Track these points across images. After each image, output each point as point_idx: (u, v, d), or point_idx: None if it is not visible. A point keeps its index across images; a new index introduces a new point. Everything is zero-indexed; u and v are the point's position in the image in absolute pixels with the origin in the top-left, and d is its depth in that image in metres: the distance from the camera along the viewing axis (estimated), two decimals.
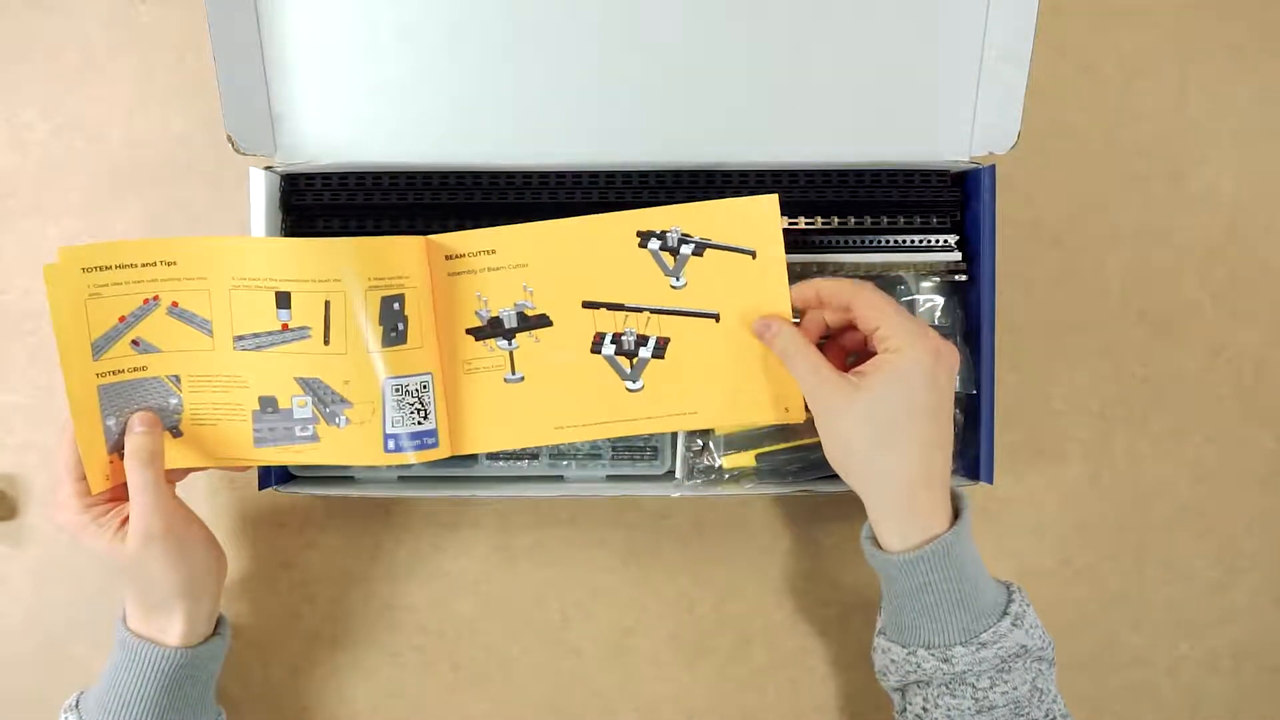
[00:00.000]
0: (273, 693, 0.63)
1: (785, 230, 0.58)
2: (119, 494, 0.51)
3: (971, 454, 0.58)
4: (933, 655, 0.48)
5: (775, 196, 0.53)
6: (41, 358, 0.64)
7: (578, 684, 0.64)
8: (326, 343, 0.52)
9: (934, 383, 0.47)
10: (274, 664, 0.63)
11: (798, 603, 0.65)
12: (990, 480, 0.57)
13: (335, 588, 0.64)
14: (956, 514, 0.49)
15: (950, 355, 0.48)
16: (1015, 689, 0.48)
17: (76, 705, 0.52)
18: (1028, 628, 0.49)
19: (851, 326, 0.52)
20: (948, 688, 0.49)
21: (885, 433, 0.48)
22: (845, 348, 0.54)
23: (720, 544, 0.64)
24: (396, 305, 0.52)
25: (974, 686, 0.48)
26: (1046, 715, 0.49)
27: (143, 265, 0.51)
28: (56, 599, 0.63)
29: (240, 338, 0.52)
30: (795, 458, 0.58)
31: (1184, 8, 0.67)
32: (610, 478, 0.59)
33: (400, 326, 0.52)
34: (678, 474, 0.58)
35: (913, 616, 0.49)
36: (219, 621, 0.55)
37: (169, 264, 0.51)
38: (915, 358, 0.47)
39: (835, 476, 0.57)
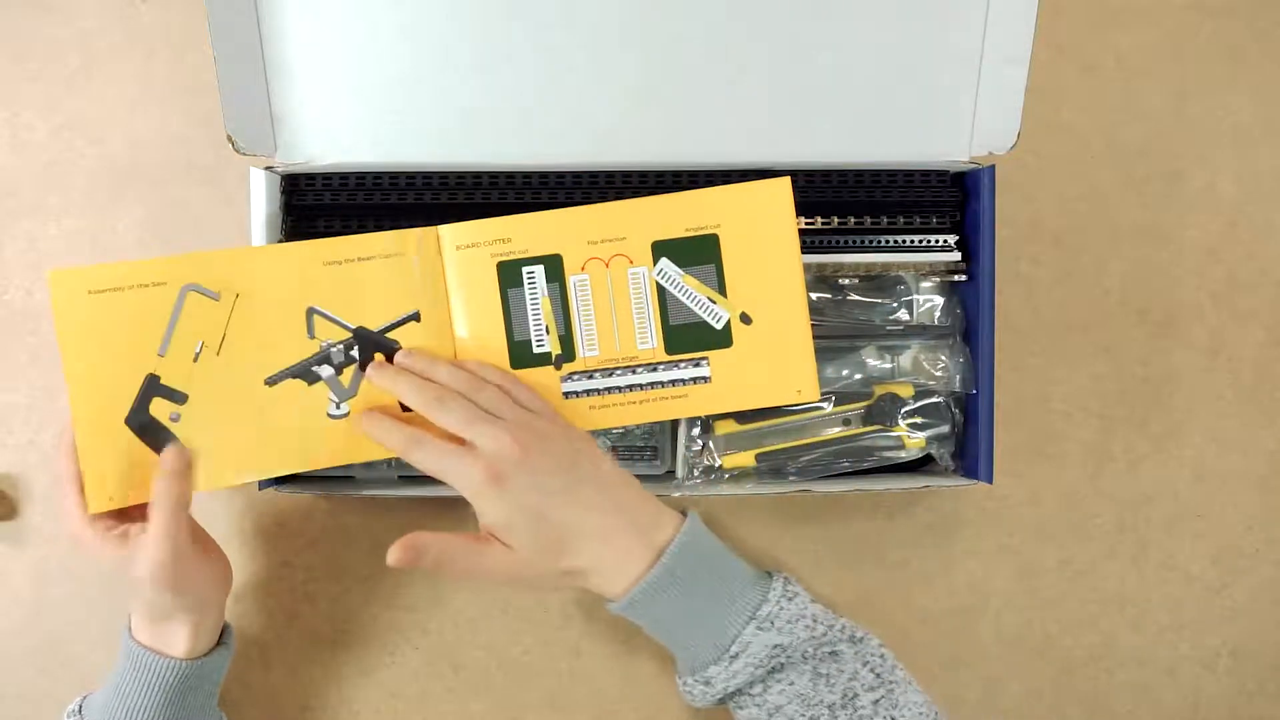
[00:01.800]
0: (273, 693, 0.63)
1: None
2: (128, 513, 0.51)
3: (971, 454, 0.58)
4: (697, 681, 0.50)
5: (787, 180, 0.53)
6: (41, 358, 0.63)
7: (578, 684, 0.64)
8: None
9: (518, 496, 0.47)
10: (274, 664, 0.63)
11: None
12: (990, 480, 0.57)
13: (335, 588, 0.64)
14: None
15: (516, 463, 0.47)
16: (793, 683, 0.48)
17: (79, 710, 0.52)
18: (783, 625, 0.48)
19: None
20: (734, 701, 0.50)
21: (542, 550, 0.47)
22: None
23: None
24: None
25: (750, 695, 0.49)
26: (845, 692, 0.48)
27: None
28: (56, 599, 0.63)
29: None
30: (795, 458, 0.58)
31: (1184, 8, 0.67)
32: None
33: None
34: (678, 474, 0.58)
35: (671, 648, 0.51)
36: (224, 630, 0.55)
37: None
38: (481, 498, 0.47)
39: (836, 477, 0.57)
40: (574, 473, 0.48)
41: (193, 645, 0.51)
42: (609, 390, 0.54)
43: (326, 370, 0.52)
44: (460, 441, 0.48)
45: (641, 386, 0.54)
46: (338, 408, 0.53)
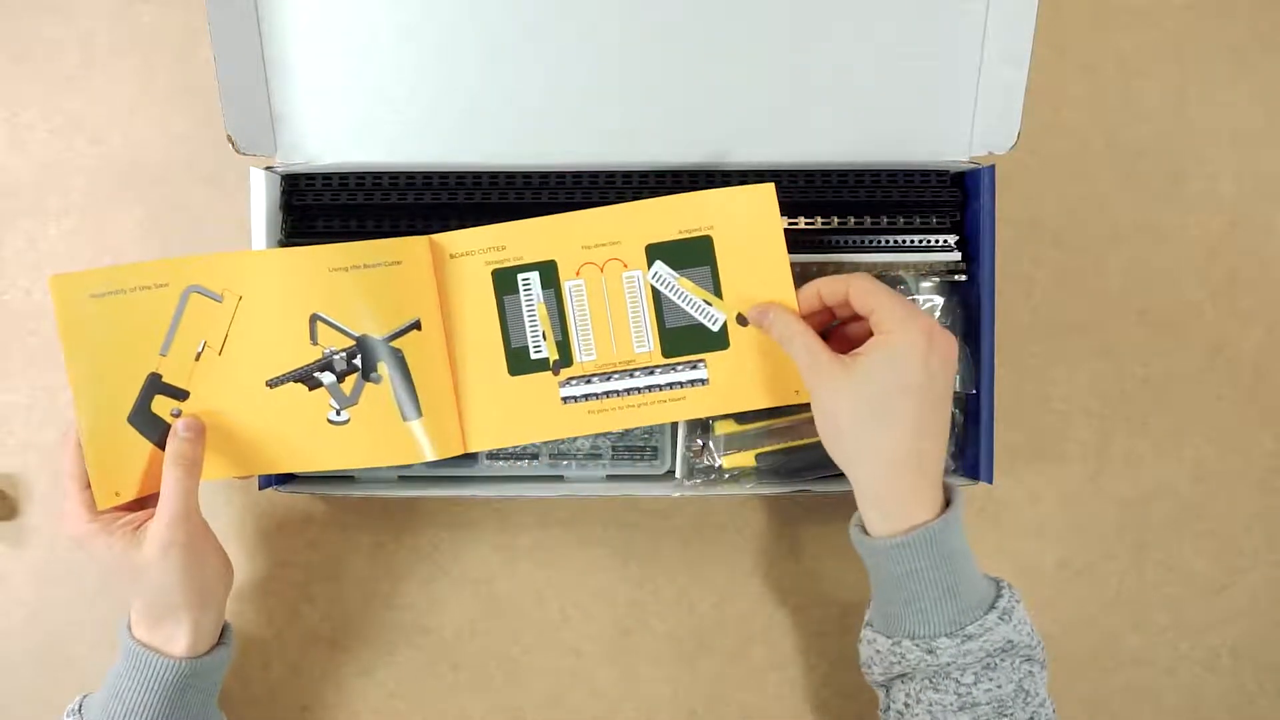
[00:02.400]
0: (273, 693, 0.63)
1: (785, 230, 0.58)
2: (135, 508, 0.52)
3: (971, 454, 0.58)
4: (917, 646, 0.48)
5: (771, 186, 0.53)
6: (41, 358, 0.64)
7: (578, 684, 0.64)
8: None
9: (925, 365, 0.47)
10: (274, 664, 0.63)
11: (798, 602, 0.65)
12: (990, 480, 0.57)
13: (335, 588, 0.64)
14: (948, 505, 0.49)
15: (945, 341, 0.48)
16: (1000, 687, 0.47)
17: (79, 710, 0.52)
18: (1015, 623, 0.48)
19: (856, 318, 0.52)
20: (931, 681, 0.48)
21: (875, 412, 0.48)
22: (850, 339, 0.53)
23: (720, 544, 0.64)
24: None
25: (958, 681, 0.48)
26: (1032, 717, 0.48)
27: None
28: (56, 599, 0.63)
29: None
30: (795, 458, 0.58)
31: (1184, 8, 0.67)
32: (610, 478, 0.60)
33: None
34: (678, 474, 0.58)
35: (898, 606, 0.49)
36: (224, 629, 0.55)
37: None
38: (908, 340, 0.47)
39: (835, 476, 0.57)
40: (948, 395, 0.49)
41: (193, 643, 0.51)
42: (607, 394, 0.54)
43: (328, 377, 0.53)
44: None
45: (639, 390, 0.54)
46: (338, 414, 0.53)
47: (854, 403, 0.48)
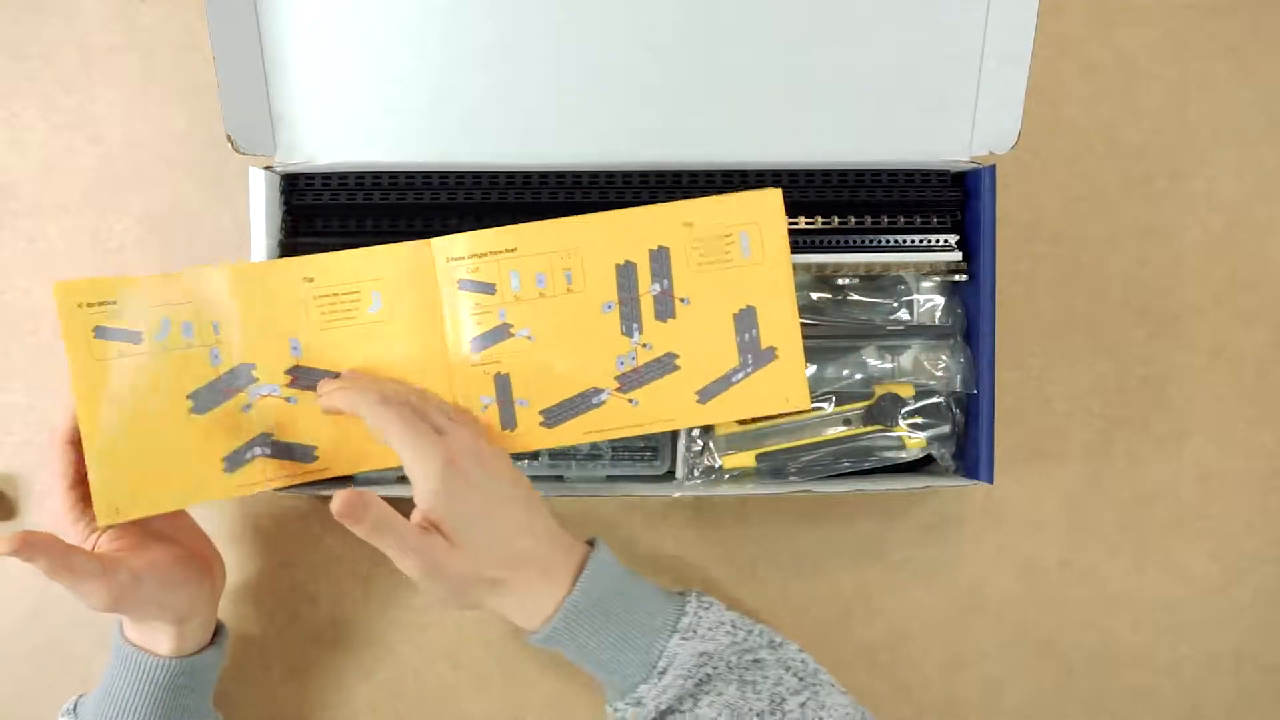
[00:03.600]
0: (273, 693, 0.63)
1: (786, 230, 0.58)
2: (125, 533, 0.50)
3: (972, 454, 0.58)
4: (629, 705, 0.49)
5: (779, 191, 0.53)
6: (41, 358, 0.63)
7: (578, 684, 0.64)
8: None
9: (467, 484, 0.47)
10: (274, 664, 0.63)
11: (798, 603, 0.64)
12: (990, 480, 0.57)
13: (335, 588, 0.63)
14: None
15: (455, 439, 0.48)
16: (721, 694, 0.48)
17: (74, 710, 0.52)
18: (704, 633, 0.49)
19: None
20: (670, 718, 0.49)
21: (474, 548, 0.47)
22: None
23: (720, 544, 0.64)
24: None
25: (680, 713, 0.48)
26: (772, 698, 0.48)
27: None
28: (56, 599, 0.63)
29: None
30: (795, 458, 0.58)
31: (1184, 7, 0.67)
32: (610, 478, 0.59)
33: None
34: (678, 474, 0.58)
35: (597, 674, 0.50)
36: (217, 630, 0.54)
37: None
38: (441, 480, 0.47)
39: (835, 477, 0.57)
40: (516, 489, 0.49)
41: (179, 645, 0.51)
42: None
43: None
44: None
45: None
46: None
47: (462, 559, 0.48)
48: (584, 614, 0.48)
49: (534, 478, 0.59)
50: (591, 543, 0.51)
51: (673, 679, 0.48)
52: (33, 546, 0.45)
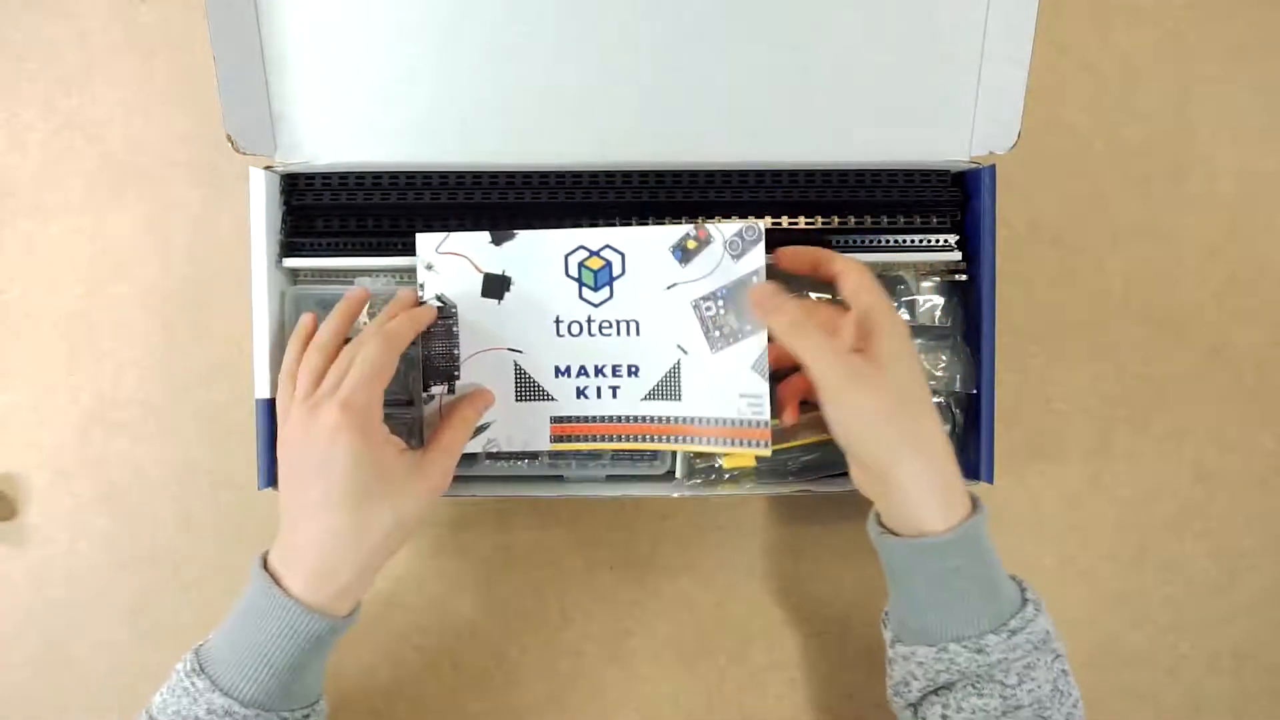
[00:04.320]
0: None
1: (785, 230, 0.58)
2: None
3: (972, 454, 0.58)
4: (965, 648, 0.47)
5: (761, 224, 0.53)
6: (41, 358, 0.64)
7: (578, 684, 0.64)
8: None
9: (916, 357, 0.49)
10: None
11: (798, 602, 0.65)
12: (990, 480, 0.57)
13: None
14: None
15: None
16: (1040, 686, 0.47)
17: (201, 668, 0.47)
18: (1045, 615, 0.49)
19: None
20: (975, 687, 0.47)
21: (911, 408, 0.47)
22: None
23: (720, 544, 0.64)
24: None
25: (1002, 684, 0.46)
26: (1067, 718, 0.48)
27: None
28: (56, 600, 0.63)
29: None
30: (795, 458, 0.58)
31: (1184, 8, 0.67)
32: (610, 478, 0.59)
33: None
34: (678, 474, 0.58)
35: (938, 610, 0.48)
36: None
37: None
38: (901, 332, 0.48)
39: (834, 476, 0.57)
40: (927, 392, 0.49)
41: (351, 602, 0.49)
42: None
43: None
44: None
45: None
46: None
47: (890, 399, 0.47)
48: (977, 543, 0.47)
49: (534, 478, 0.59)
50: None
51: (1022, 640, 0.47)
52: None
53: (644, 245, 0.54)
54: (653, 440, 0.55)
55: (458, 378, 0.55)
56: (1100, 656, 0.66)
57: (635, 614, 0.64)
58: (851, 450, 0.49)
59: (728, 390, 0.53)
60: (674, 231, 0.54)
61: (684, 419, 0.55)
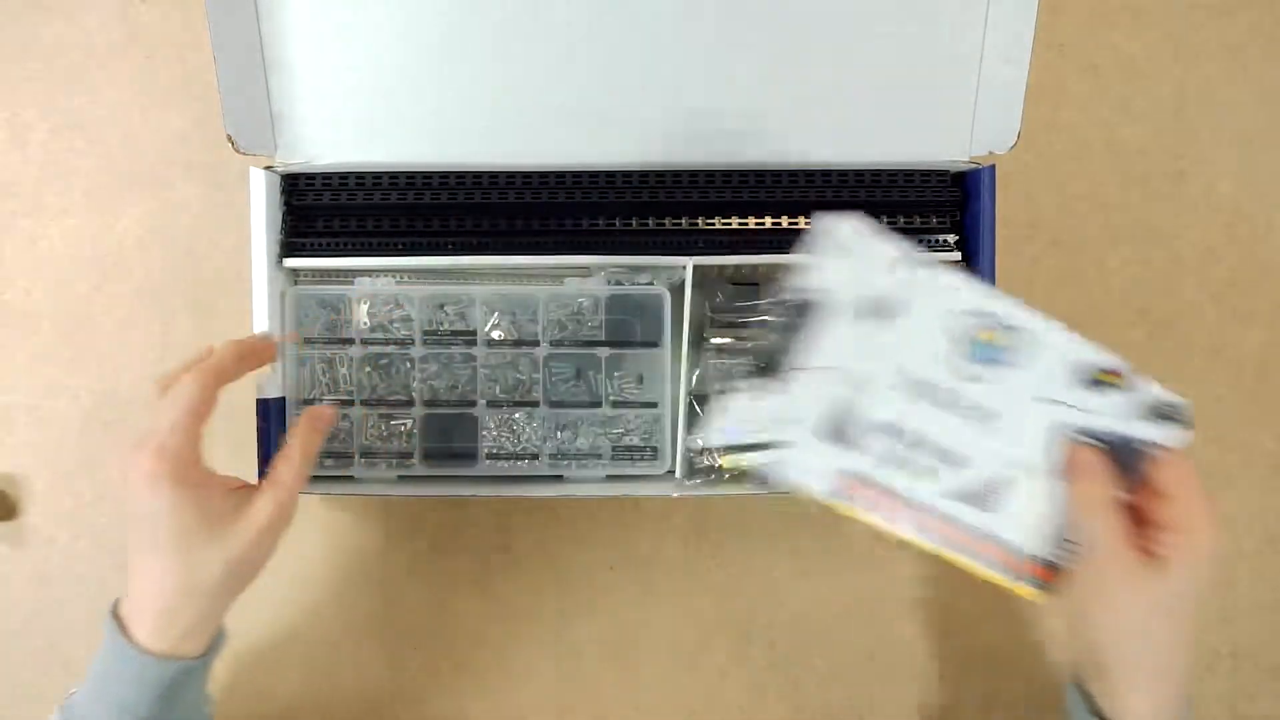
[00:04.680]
0: (273, 693, 0.63)
1: (785, 229, 0.58)
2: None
3: None
4: None
5: (1191, 407, 0.48)
6: (42, 358, 0.64)
7: (578, 684, 0.64)
8: None
9: (1210, 580, 0.44)
10: (275, 664, 0.63)
11: (798, 603, 0.64)
12: None
13: (335, 588, 0.63)
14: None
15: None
16: None
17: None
18: None
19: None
20: None
21: (1170, 628, 0.44)
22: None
23: (720, 544, 0.64)
24: None
25: None
26: None
27: None
28: (56, 599, 0.63)
29: None
30: None
31: (1184, 8, 0.67)
32: (610, 478, 0.59)
33: None
34: (678, 474, 0.58)
35: None
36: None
37: None
38: (1212, 551, 0.44)
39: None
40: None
41: (203, 643, 0.48)
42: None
43: None
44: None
45: None
46: None
47: (1150, 614, 0.44)
48: None
49: (534, 477, 0.59)
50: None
51: None
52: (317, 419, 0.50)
53: (1050, 345, 0.46)
54: (943, 542, 0.48)
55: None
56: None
57: (635, 614, 0.64)
58: (1089, 641, 0.46)
59: (1047, 526, 0.47)
60: (1086, 350, 0.46)
61: (986, 535, 0.47)
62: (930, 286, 0.47)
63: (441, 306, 0.58)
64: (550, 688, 0.64)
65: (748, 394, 0.47)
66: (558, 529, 0.64)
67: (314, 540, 0.63)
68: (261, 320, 0.55)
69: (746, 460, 0.47)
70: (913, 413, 0.47)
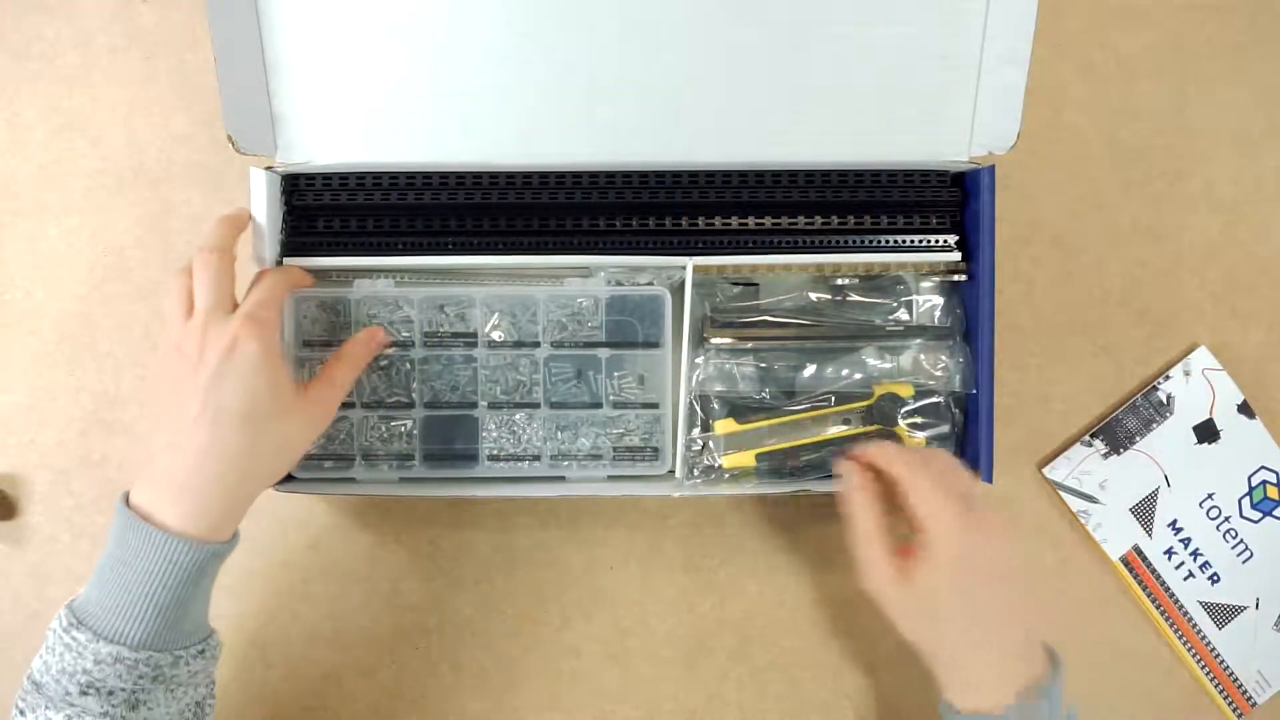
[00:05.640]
0: (273, 693, 0.63)
1: (785, 229, 0.58)
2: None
3: (971, 454, 0.58)
4: None
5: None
6: (41, 358, 0.64)
7: (578, 684, 0.64)
8: None
9: (968, 563, 0.48)
10: (275, 664, 0.63)
11: (798, 603, 0.65)
12: (990, 480, 0.57)
13: (335, 587, 0.63)
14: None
15: (979, 523, 0.49)
16: None
17: (79, 622, 0.45)
18: None
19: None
20: None
21: (933, 614, 0.49)
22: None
23: (720, 544, 0.64)
24: None
25: None
26: None
27: None
28: (56, 599, 0.63)
29: None
30: (795, 458, 0.58)
31: (1184, 8, 0.67)
32: (610, 478, 0.59)
33: None
34: (678, 474, 0.58)
35: None
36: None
37: None
38: (947, 544, 0.48)
39: (836, 476, 0.57)
40: (1000, 566, 0.50)
41: (227, 527, 0.47)
42: None
43: None
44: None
45: None
46: None
47: (914, 612, 0.50)
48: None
49: (534, 478, 0.59)
50: (1051, 656, 0.51)
51: None
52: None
53: None
54: None
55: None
56: (1100, 656, 0.66)
57: (635, 614, 0.64)
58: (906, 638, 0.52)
59: None
60: None
61: None
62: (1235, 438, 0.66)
63: (441, 308, 0.58)
64: (550, 688, 0.64)
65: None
66: (558, 529, 0.64)
67: (314, 540, 0.63)
68: None
69: None
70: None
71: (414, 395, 0.58)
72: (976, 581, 0.49)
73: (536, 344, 0.58)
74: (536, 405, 0.58)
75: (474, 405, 0.58)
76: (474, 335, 0.58)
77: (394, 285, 0.58)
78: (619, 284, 0.58)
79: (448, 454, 0.59)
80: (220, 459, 0.46)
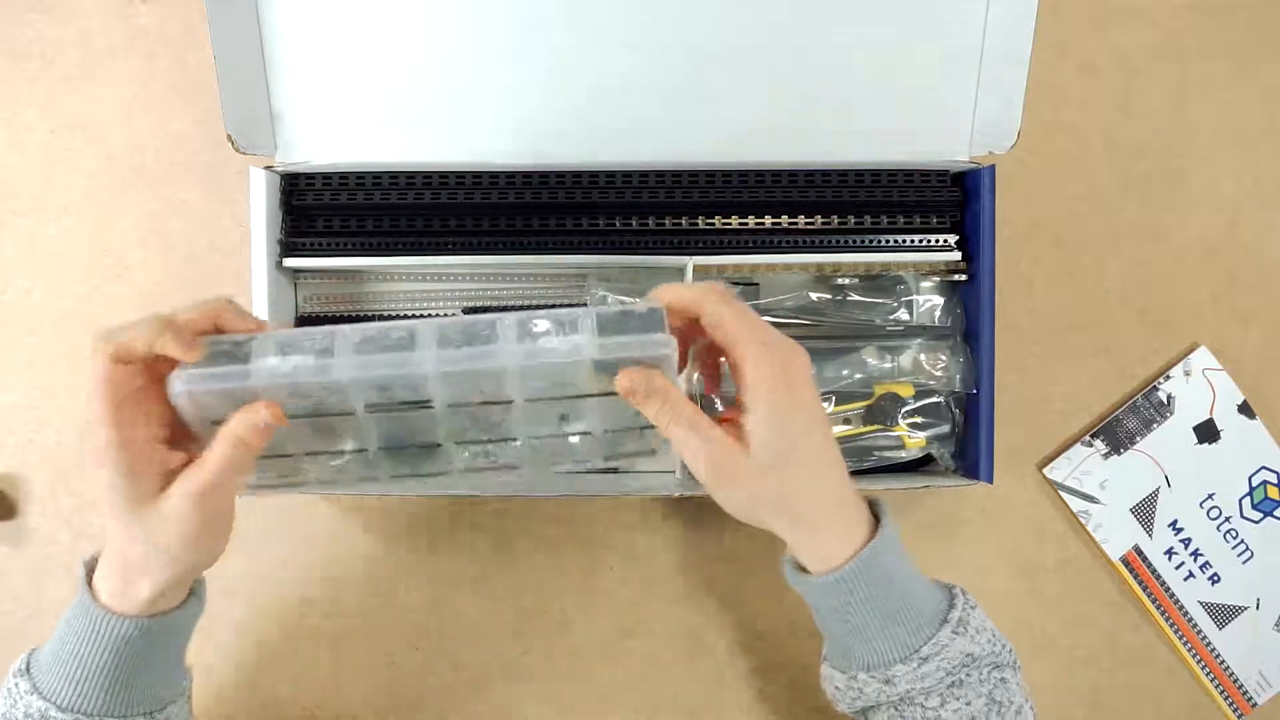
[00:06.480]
0: (273, 693, 0.63)
1: (785, 229, 0.58)
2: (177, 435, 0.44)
3: (972, 454, 0.58)
4: (873, 678, 0.46)
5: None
6: (41, 358, 0.63)
7: (578, 684, 0.64)
8: None
9: (798, 400, 0.43)
10: (275, 664, 0.63)
11: (798, 602, 0.64)
12: (990, 480, 0.57)
13: (335, 587, 0.64)
14: (878, 521, 0.46)
15: (798, 355, 0.44)
16: (969, 704, 0.45)
17: (27, 670, 0.46)
18: (973, 633, 0.46)
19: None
20: (897, 710, 0.46)
21: (777, 470, 0.44)
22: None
23: (720, 544, 0.64)
24: None
25: (923, 706, 0.45)
26: None
27: None
28: (56, 599, 0.63)
29: None
30: None
31: (1184, 8, 0.67)
32: (610, 478, 0.59)
33: None
34: (678, 474, 0.58)
35: (845, 640, 0.47)
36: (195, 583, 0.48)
37: None
38: (771, 384, 0.43)
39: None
40: (830, 426, 0.46)
41: (165, 600, 0.45)
42: None
43: None
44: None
45: None
46: None
47: (758, 479, 0.44)
48: (870, 574, 0.45)
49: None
50: (874, 504, 0.47)
51: (934, 669, 0.45)
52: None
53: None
54: None
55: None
56: (1100, 656, 0.66)
57: (635, 614, 0.64)
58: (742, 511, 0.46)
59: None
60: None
61: None
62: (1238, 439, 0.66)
63: (385, 389, 0.42)
64: (550, 687, 0.64)
65: None
66: (558, 529, 0.64)
67: (314, 540, 0.63)
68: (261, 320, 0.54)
69: None
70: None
71: (361, 441, 0.45)
72: (816, 417, 0.44)
73: (509, 401, 0.44)
74: (515, 440, 0.47)
75: (438, 445, 0.46)
76: (429, 401, 0.43)
77: (313, 360, 0.41)
78: (605, 297, 0.58)
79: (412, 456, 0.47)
80: (127, 544, 0.44)
